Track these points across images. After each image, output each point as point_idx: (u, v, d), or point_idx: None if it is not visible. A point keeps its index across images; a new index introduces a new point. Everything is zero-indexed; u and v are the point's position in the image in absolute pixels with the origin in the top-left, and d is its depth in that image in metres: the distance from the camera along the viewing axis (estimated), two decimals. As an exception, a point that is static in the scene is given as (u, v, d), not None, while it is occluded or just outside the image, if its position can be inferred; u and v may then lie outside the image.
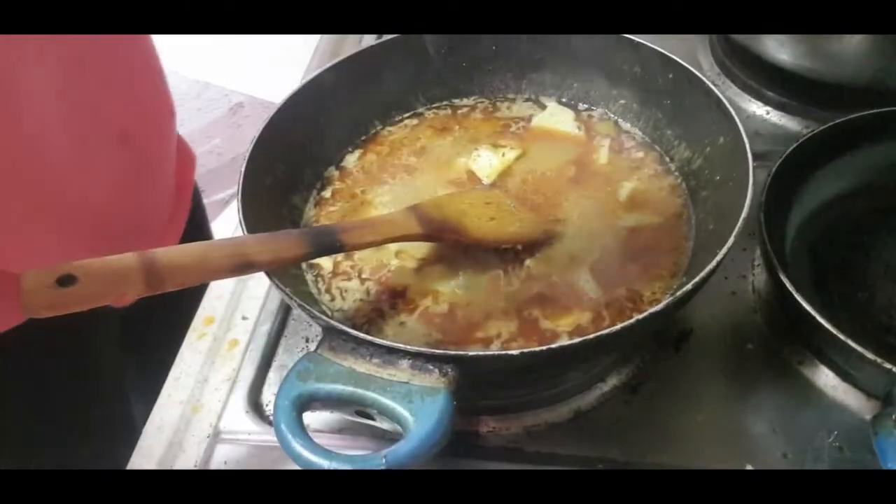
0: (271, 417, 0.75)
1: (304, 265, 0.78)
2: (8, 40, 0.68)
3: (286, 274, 0.72)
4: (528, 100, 0.93)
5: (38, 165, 0.78)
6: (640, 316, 0.60)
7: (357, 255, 0.78)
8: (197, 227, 1.16)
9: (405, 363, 0.59)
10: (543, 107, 0.91)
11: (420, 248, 0.77)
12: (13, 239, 0.78)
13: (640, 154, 0.85)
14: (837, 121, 0.82)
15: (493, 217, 0.77)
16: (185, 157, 1.06)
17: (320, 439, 0.56)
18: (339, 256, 0.78)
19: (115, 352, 1.04)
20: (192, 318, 0.87)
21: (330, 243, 0.65)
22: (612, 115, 0.89)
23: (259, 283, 0.87)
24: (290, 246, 0.63)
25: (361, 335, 0.60)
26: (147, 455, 0.74)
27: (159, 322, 1.01)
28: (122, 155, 0.88)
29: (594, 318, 0.71)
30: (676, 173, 0.83)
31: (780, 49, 0.94)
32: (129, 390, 1.09)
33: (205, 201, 1.19)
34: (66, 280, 0.51)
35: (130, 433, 1.04)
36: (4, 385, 0.91)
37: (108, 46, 0.80)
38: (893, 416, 0.61)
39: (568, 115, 0.90)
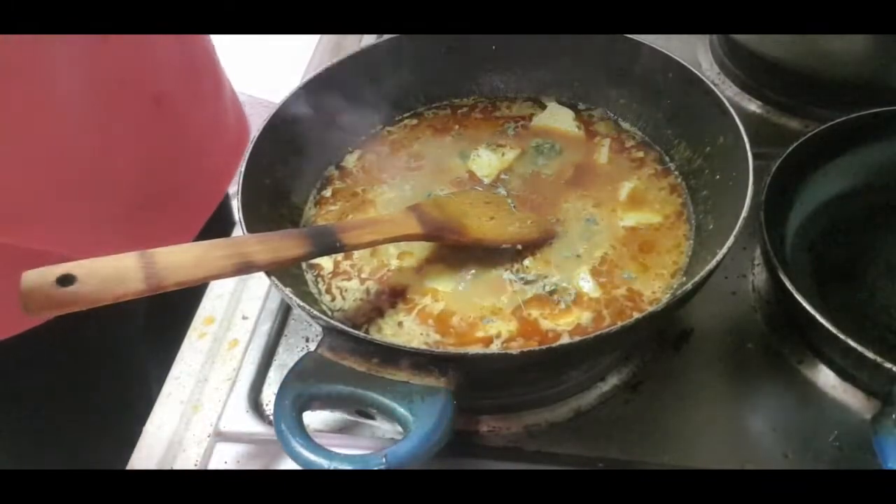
0: (271, 417, 0.75)
1: (304, 265, 0.78)
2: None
3: (286, 274, 0.72)
4: (528, 99, 0.93)
5: (67, 133, 0.78)
6: (640, 315, 0.60)
7: (357, 254, 0.78)
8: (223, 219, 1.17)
9: (405, 363, 0.59)
10: (543, 106, 0.91)
11: (421, 249, 0.77)
12: (45, 211, 0.79)
13: (640, 154, 0.85)
14: (837, 120, 0.81)
15: (492, 217, 0.77)
16: (238, 131, 1.06)
17: (320, 439, 0.56)
18: (339, 256, 0.78)
19: (139, 343, 1.04)
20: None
21: (330, 243, 0.65)
22: (612, 115, 0.89)
23: (259, 283, 0.87)
24: (290, 246, 0.63)
25: (361, 335, 0.60)
26: (147, 454, 0.74)
27: (184, 313, 1.02)
28: (156, 117, 0.88)
29: (594, 317, 0.71)
30: (676, 173, 0.83)
31: (780, 48, 0.93)
32: (153, 381, 1.09)
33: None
34: (65, 280, 0.51)
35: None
36: (27, 381, 0.91)
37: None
38: (893, 416, 0.61)
39: (567, 114, 0.90)
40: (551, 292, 0.73)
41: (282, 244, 0.63)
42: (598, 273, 0.74)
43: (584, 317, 0.71)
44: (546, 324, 0.70)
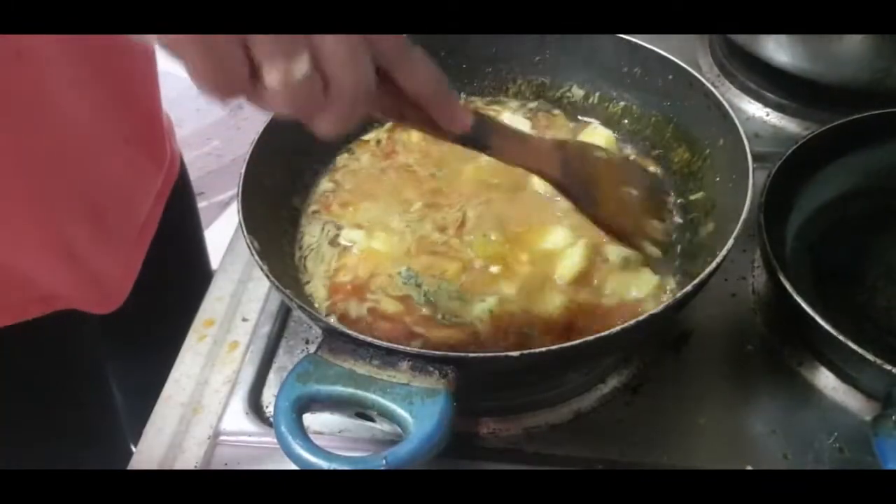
0: (271, 419, 0.75)
1: (302, 268, 0.78)
2: (35, 40, 0.70)
3: (285, 275, 0.73)
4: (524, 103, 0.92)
5: (65, 159, 0.79)
6: (640, 318, 0.60)
7: (357, 252, 0.78)
8: (191, 232, 1.17)
9: (405, 365, 0.59)
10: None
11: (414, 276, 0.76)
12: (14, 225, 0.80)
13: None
14: (837, 122, 0.82)
15: (621, 203, 0.73)
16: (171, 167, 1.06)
17: (320, 441, 0.56)
18: (345, 268, 0.77)
19: (98, 350, 1.04)
20: (180, 315, 0.87)
21: (482, 142, 0.61)
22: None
23: (259, 285, 0.87)
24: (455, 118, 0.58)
25: (361, 337, 0.60)
26: (147, 457, 0.74)
27: (145, 321, 1.01)
28: (125, 154, 0.89)
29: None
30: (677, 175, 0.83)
31: (779, 50, 0.94)
32: (114, 388, 1.09)
33: (205, 203, 1.19)
34: None
35: (115, 430, 1.02)
36: None
37: (122, 47, 0.81)
38: (893, 418, 0.61)
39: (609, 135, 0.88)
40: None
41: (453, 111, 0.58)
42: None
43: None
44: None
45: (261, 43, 0.44)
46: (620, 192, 0.74)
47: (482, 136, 0.60)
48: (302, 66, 0.45)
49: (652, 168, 0.84)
